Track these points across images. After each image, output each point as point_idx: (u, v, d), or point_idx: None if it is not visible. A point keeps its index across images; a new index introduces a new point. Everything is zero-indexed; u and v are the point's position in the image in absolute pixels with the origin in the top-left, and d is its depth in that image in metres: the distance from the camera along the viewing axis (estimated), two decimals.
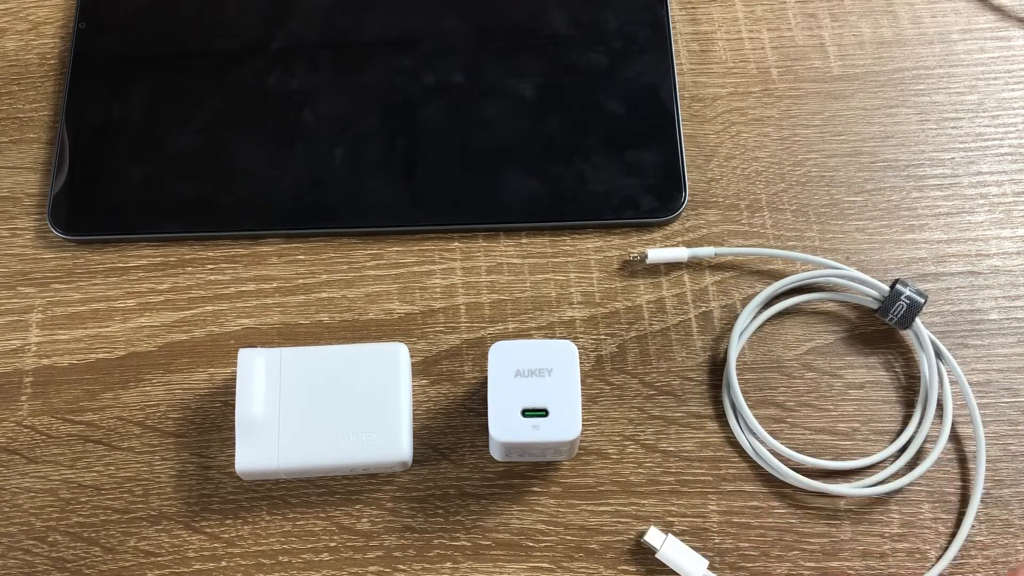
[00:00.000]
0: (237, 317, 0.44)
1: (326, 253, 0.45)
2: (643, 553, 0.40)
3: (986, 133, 0.47)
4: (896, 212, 0.46)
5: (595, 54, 0.47)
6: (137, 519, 0.41)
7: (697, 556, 0.40)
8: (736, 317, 0.43)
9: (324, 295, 0.44)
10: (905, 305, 0.42)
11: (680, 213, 0.45)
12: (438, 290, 0.45)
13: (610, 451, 0.42)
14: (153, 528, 0.41)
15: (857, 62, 0.49)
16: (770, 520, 0.41)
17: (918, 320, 0.42)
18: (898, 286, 0.42)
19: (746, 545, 0.41)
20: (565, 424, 0.38)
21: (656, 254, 0.44)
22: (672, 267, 0.45)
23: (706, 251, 0.44)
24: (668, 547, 0.39)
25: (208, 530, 0.41)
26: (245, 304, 0.44)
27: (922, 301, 0.42)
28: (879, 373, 0.43)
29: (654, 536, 0.40)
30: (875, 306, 0.43)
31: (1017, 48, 0.49)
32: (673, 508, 0.41)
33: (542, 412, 0.38)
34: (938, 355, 0.42)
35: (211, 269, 0.45)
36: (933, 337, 0.42)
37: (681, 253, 0.44)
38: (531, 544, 0.41)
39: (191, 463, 0.42)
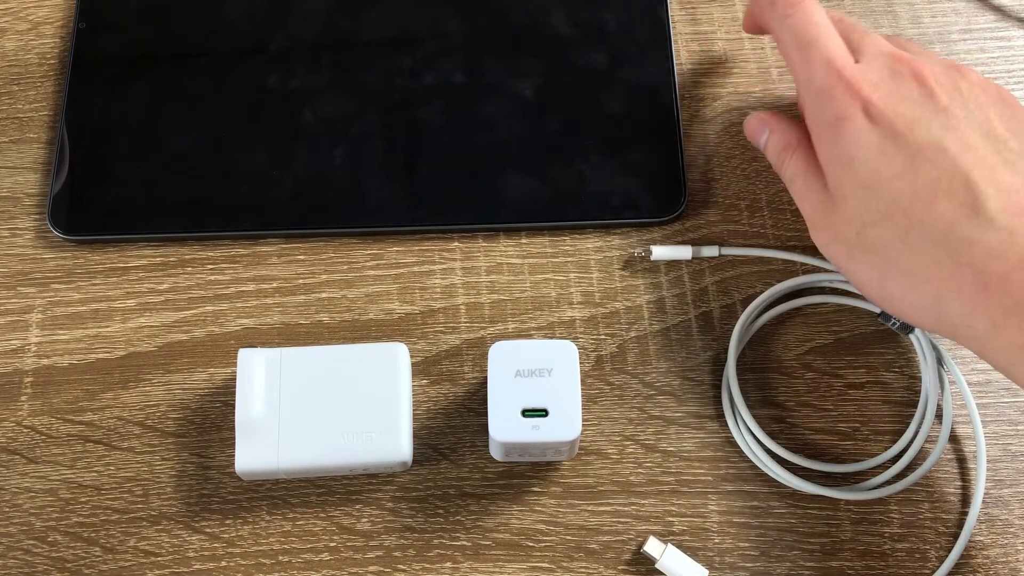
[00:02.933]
0: (237, 317, 0.44)
1: (326, 253, 0.45)
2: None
3: None
4: None
5: (595, 54, 0.47)
6: (137, 519, 0.41)
7: (697, 566, 0.39)
8: (736, 318, 0.43)
9: (324, 295, 0.44)
10: None
11: (680, 213, 0.45)
12: (438, 290, 0.44)
13: (610, 451, 0.42)
14: (153, 528, 0.41)
15: None
16: (770, 520, 0.41)
17: None
18: None
19: (746, 545, 0.41)
20: (565, 424, 0.38)
21: (661, 251, 0.44)
22: (672, 267, 0.45)
23: (710, 250, 0.44)
24: (668, 557, 0.39)
25: (208, 530, 0.41)
26: (245, 304, 0.44)
27: None
28: (879, 373, 0.43)
29: (653, 546, 0.40)
30: (877, 310, 0.43)
31: (1017, 48, 0.49)
32: (673, 508, 0.41)
33: (542, 412, 0.38)
34: (938, 356, 0.42)
35: (211, 269, 0.45)
36: (933, 339, 0.42)
37: (685, 251, 0.44)
38: (531, 544, 0.41)
39: (191, 463, 0.42)
